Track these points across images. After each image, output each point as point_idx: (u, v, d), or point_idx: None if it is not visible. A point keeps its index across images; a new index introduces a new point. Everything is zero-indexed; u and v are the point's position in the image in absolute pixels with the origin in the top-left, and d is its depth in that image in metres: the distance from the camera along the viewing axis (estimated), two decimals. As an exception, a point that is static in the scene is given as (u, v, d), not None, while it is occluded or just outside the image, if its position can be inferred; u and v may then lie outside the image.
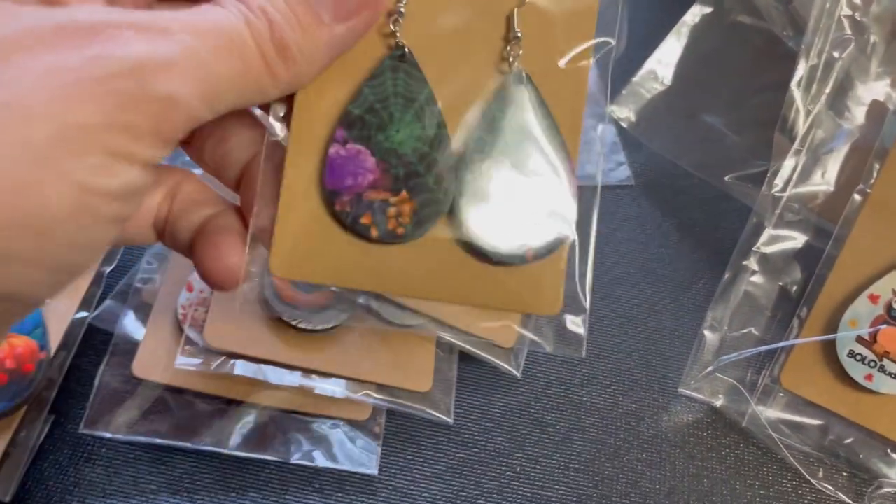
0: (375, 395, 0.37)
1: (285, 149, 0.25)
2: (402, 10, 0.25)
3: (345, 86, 0.25)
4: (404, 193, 0.25)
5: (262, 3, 0.21)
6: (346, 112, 0.25)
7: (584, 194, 0.27)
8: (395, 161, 0.25)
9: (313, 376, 0.37)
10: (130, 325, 0.38)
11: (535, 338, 0.34)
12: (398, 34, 0.25)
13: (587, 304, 0.29)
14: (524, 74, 0.25)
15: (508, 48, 0.25)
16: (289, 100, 0.25)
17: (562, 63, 0.26)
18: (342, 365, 0.38)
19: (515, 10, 0.25)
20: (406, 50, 0.25)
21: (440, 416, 0.38)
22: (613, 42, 0.27)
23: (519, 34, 0.25)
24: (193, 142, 0.25)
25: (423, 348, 0.39)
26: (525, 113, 0.26)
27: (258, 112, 0.25)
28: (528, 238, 0.26)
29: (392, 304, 0.38)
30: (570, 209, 0.26)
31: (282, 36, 0.21)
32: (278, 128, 0.25)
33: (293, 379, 0.37)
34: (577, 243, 0.26)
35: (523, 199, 0.26)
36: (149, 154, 0.20)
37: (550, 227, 0.26)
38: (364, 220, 0.25)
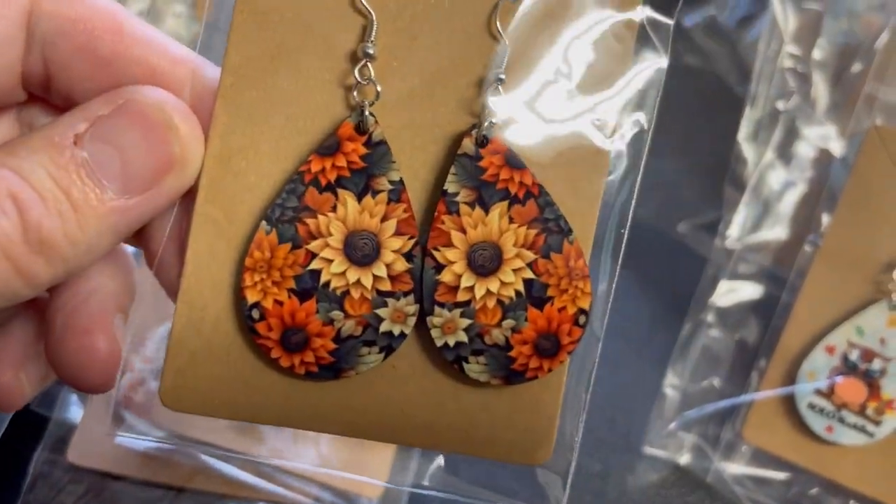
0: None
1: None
2: None
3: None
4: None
5: (13, 186, 0.16)
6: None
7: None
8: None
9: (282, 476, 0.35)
10: (68, 406, 0.36)
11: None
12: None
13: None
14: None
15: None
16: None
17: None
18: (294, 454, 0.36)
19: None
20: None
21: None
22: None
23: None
24: None
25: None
26: None
27: None
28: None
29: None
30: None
31: (42, 229, 0.16)
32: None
33: (257, 482, 0.35)
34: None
35: None
36: None
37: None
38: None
